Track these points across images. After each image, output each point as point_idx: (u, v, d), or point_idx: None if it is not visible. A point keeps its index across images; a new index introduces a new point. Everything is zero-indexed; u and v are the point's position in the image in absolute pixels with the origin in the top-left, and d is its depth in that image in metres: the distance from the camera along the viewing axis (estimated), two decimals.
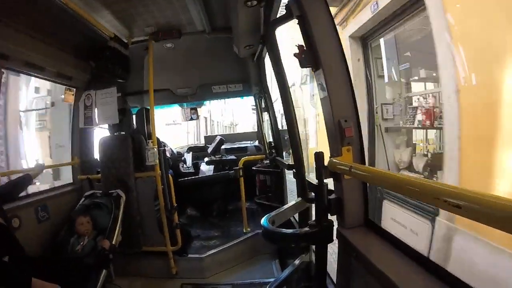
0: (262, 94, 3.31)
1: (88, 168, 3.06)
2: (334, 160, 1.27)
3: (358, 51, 4.70)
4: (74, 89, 3.02)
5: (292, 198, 2.80)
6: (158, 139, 2.70)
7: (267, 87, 3.27)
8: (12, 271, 1.60)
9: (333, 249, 1.58)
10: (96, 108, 2.73)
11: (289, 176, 3.05)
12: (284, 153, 3.15)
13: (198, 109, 4.70)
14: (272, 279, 1.85)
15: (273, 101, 3.36)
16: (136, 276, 2.76)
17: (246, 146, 4.60)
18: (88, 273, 2.00)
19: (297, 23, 1.46)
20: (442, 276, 0.96)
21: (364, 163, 1.35)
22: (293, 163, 2.12)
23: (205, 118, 15.84)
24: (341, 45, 1.39)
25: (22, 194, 2.26)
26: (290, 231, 1.38)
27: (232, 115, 26.88)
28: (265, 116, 3.64)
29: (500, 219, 0.55)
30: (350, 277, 1.34)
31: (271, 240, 1.40)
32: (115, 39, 2.63)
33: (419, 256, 1.08)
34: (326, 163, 1.32)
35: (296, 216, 2.52)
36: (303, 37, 1.44)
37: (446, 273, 0.97)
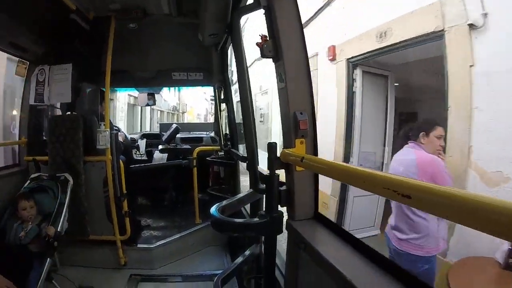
0: (222, 85, 3.28)
1: (36, 149, 2.86)
2: (286, 151, 1.28)
3: None
4: (28, 63, 2.80)
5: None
6: (111, 122, 2.58)
7: (228, 78, 3.25)
8: None
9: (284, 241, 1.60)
10: (48, 85, 2.56)
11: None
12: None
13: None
14: (222, 271, 1.83)
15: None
16: (83, 266, 2.64)
17: (202, 137, 4.55)
18: (32, 262, 1.91)
19: (263, 13, 1.45)
20: (388, 267, 0.99)
21: (317, 156, 1.36)
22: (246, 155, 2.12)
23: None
24: (304, 38, 1.40)
25: None
26: (239, 220, 1.37)
27: (177, 98, 22.45)
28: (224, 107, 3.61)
29: (448, 208, 0.56)
30: (298, 269, 1.36)
31: (220, 229, 1.38)
32: (77, 12, 2.46)
33: (367, 249, 1.11)
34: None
35: (248, 208, 2.53)
36: (267, 28, 1.43)
37: (392, 265, 1.00)
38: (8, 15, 2.26)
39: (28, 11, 2.38)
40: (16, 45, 2.52)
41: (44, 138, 2.88)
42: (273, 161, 1.30)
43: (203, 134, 4.86)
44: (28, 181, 2.47)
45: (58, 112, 2.92)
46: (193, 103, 27.01)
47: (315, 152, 1.36)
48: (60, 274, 2.34)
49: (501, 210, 0.44)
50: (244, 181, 3.28)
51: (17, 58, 2.76)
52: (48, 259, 2.00)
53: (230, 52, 3.09)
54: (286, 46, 1.36)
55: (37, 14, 2.47)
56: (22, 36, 2.50)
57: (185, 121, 21.21)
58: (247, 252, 1.76)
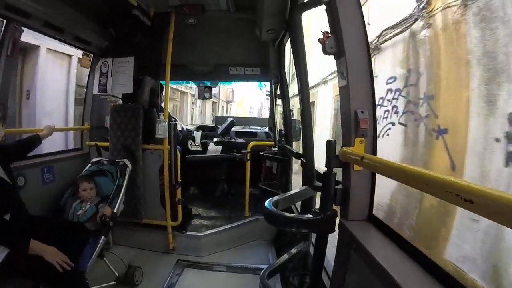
0: (279, 80, 3.26)
1: (98, 135, 3.09)
2: (345, 149, 1.25)
3: None
4: (92, 55, 3.02)
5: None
6: (169, 114, 2.70)
7: (285, 74, 3.23)
8: (12, 229, 1.61)
9: (331, 243, 1.57)
10: (111, 76, 2.73)
11: None
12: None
13: None
14: (266, 266, 1.85)
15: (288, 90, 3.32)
16: (134, 247, 2.80)
17: (256, 132, 4.63)
18: (87, 239, 2.02)
19: (325, 9, 1.43)
20: (443, 278, 0.94)
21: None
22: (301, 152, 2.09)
23: None
24: (367, 34, 1.36)
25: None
26: (292, 215, 1.37)
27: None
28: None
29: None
30: (346, 269, 1.33)
31: (273, 223, 1.39)
32: (138, 8, 2.60)
33: (422, 256, 1.06)
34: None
35: (298, 206, 2.51)
36: (329, 23, 1.41)
37: (445, 274, 0.95)
38: (74, 10, 2.44)
39: (92, 7, 2.56)
40: (81, 39, 2.71)
41: (106, 125, 3.09)
42: (331, 159, 1.28)
43: (257, 128, 4.92)
44: (90, 164, 2.66)
45: (120, 103, 3.11)
46: (244, 92, 23.82)
47: (374, 152, 1.32)
48: (112, 252, 2.50)
49: None
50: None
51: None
52: (103, 237, 2.13)
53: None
54: (348, 42, 1.33)
55: (101, 10, 2.65)
56: (87, 30, 2.69)
57: (231, 114, 19.49)
58: (293, 250, 1.76)
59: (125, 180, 2.49)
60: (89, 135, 3.09)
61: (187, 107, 15.39)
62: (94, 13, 2.65)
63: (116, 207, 2.32)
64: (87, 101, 3.12)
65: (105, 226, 2.16)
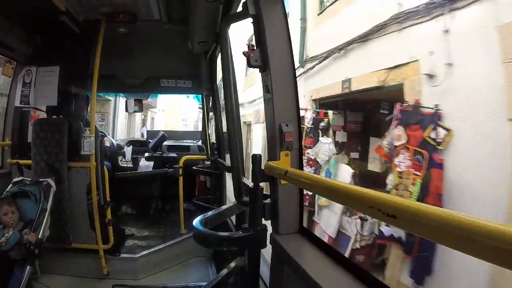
0: (211, 93, 3.26)
1: (20, 152, 2.80)
2: (270, 164, 1.25)
3: None
4: (15, 63, 2.77)
5: None
6: (96, 128, 2.53)
7: (217, 87, 3.24)
8: None
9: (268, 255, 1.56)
10: (35, 87, 2.50)
11: None
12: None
13: None
14: (206, 283, 1.79)
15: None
16: (64, 275, 2.55)
17: (189, 145, 4.57)
18: (11, 269, 1.87)
19: (251, 22, 1.43)
20: (371, 283, 0.97)
21: (302, 169, 1.34)
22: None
23: None
24: (292, 48, 1.38)
25: None
26: (222, 234, 1.33)
27: None
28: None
29: (437, 231, 0.53)
30: (282, 284, 1.32)
31: (202, 243, 1.34)
32: (67, 14, 2.41)
33: (351, 264, 1.09)
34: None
35: (234, 219, 2.49)
36: (255, 37, 1.42)
37: (375, 281, 0.98)
38: None
39: (17, 10, 2.34)
40: (3, 44, 2.47)
41: (29, 141, 2.83)
42: (257, 174, 1.27)
43: (190, 142, 4.87)
44: (11, 185, 2.39)
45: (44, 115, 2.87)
46: (177, 101, 20.63)
47: (300, 165, 1.34)
48: (41, 282, 2.29)
49: (500, 235, 0.41)
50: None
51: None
52: (29, 266, 1.95)
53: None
54: (273, 55, 1.34)
55: (26, 14, 2.43)
56: (10, 35, 2.46)
57: (155, 127, 17.05)
58: (232, 264, 1.72)
59: (50, 202, 2.26)
60: (10, 152, 2.79)
61: None
62: (18, 17, 2.42)
63: (41, 232, 2.12)
64: (8, 114, 2.84)
65: (31, 254, 1.97)
